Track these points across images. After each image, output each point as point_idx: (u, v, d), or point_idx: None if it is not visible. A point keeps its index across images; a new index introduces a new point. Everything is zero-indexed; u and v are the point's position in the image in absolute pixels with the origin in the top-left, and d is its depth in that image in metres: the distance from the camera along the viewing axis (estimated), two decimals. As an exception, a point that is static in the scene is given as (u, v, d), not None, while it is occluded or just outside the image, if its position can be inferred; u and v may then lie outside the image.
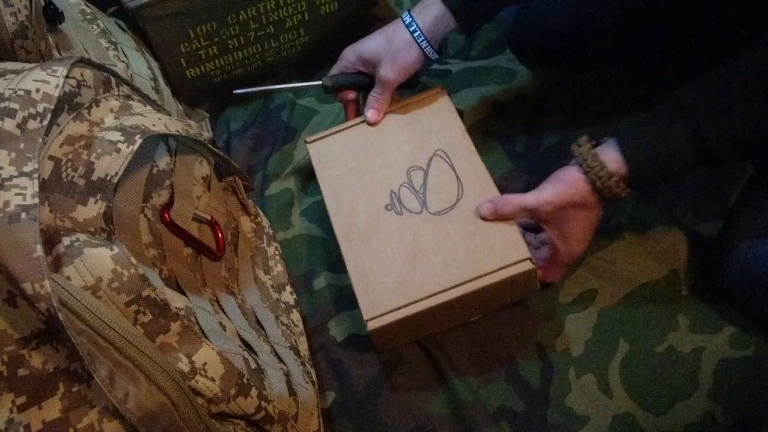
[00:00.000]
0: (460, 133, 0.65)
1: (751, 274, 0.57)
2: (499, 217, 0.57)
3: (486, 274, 0.55)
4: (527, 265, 0.55)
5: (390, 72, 0.64)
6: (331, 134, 0.69)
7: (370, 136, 0.67)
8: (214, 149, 0.58)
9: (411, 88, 0.71)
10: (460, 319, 0.62)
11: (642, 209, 0.68)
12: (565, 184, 0.54)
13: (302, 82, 0.76)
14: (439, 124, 0.66)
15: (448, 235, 0.58)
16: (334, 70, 0.70)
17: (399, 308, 0.55)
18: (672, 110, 0.51)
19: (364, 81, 0.68)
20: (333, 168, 0.66)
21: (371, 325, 0.55)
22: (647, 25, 0.71)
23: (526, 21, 0.78)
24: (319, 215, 0.73)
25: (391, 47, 0.63)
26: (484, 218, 0.58)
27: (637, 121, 0.53)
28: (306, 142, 0.69)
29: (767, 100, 0.48)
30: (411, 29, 0.62)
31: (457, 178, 0.62)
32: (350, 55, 0.67)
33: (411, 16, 0.63)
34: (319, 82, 0.69)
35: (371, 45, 0.65)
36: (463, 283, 0.55)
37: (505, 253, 0.56)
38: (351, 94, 0.70)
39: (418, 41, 0.62)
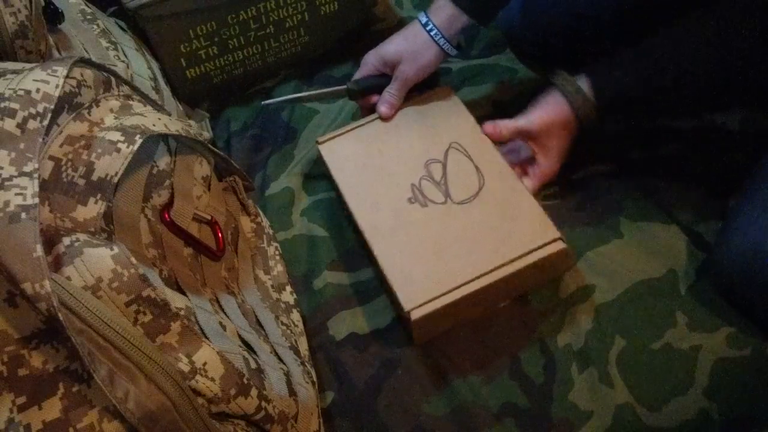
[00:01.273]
0: (471, 126, 0.67)
1: (751, 274, 0.57)
2: (498, 136, 0.64)
3: (520, 257, 0.57)
4: (559, 245, 0.57)
5: (409, 69, 0.66)
6: (341, 134, 0.70)
7: (381, 133, 0.68)
8: (214, 149, 0.58)
9: (432, 87, 0.71)
10: (492, 306, 0.63)
11: (642, 208, 0.68)
12: (552, 106, 0.62)
13: (323, 88, 0.75)
14: (449, 119, 0.68)
15: (476, 222, 0.60)
16: (357, 76, 0.71)
17: (439, 296, 0.56)
18: (637, 52, 0.60)
19: (387, 83, 0.68)
20: (348, 166, 0.67)
21: (415, 315, 0.56)
22: (646, 25, 0.71)
23: (526, 20, 0.78)
24: (320, 214, 0.73)
25: (411, 47, 0.66)
26: (487, 134, 0.64)
27: (606, 60, 0.62)
28: (317, 142, 0.70)
29: (724, 50, 0.56)
30: (428, 29, 0.64)
31: (476, 167, 0.63)
32: (372, 59, 0.69)
33: (427, 17, 0.65)
34: (344, 87, 0.70)
35: (392, 47, 0.67)
36: (498, 267, 0.57)
37: (535, 236, 0.58)
38: (375, 98, 0.71)
39: (436, 39, 0.65)
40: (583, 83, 0.61)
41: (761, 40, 0.55)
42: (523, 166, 0.67)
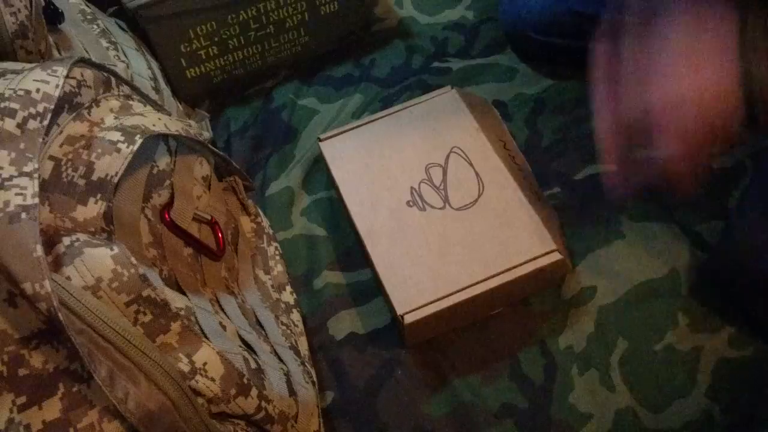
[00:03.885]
0: (474, 131, 0.66)
1: (753, 275, 0.57)
2: None
3: (516, 266, 0.57)
4: (555, 256, 0.58)
5: None
6: (343, 132, 0.70)
7: (383, 133, 0.68)
8: (214, 149, 0.58)
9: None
10: (485, 312, 0.63)
11: (642, 208, 0.68)
12: None
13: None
14: (452, 123, 0.67)
15: (473, 229, 0.60)
16: None
17: (433, 302, 0.57)
18: None
19: None
20: (348, 165, 0.67)
21: (408, 319, 0.56)
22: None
23: (526, 19, 0.78)
24: (320, 214, 0.73)
25: None
26: None
27: None
28: (319, 139, 0.70)
29: None
30: None
31: (477, 174, 0.63)
32: None
33: None
34: None
35: None
36: (494, 276, 0.57)
37: (532, 246, 0.58)
38: None
39: None
40: None
41: None
42: None
